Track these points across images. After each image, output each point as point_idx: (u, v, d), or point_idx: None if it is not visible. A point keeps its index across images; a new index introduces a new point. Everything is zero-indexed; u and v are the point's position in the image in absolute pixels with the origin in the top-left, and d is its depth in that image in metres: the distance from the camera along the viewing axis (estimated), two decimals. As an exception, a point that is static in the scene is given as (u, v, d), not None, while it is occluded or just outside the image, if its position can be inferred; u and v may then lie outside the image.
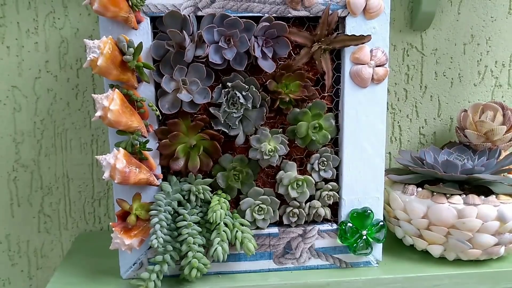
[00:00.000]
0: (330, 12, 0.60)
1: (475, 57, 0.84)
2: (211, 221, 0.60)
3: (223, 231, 0.60)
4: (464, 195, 0.66)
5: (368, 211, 0.65)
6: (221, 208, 0.61)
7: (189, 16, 0.58)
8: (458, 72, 0.85)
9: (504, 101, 0.86)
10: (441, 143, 0.86)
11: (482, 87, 0.86)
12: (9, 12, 0.74)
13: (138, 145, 0.59)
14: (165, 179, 0.63)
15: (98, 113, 0.56)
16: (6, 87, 0.76)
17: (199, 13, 0.59)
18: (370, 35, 0.61)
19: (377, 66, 0.62)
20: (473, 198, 0.65)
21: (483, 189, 0.68)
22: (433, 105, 0.85)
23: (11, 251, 0.80)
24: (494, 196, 0.66)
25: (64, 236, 0.81)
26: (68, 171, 0.79)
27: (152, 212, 0.59)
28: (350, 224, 0.65)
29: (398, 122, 0.85)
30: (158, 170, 0.62)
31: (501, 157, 0.73)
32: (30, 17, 0.75)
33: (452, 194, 0.66)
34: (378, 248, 0.68)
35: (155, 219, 0.58)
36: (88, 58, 0.55)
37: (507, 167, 0.70)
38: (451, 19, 0.82)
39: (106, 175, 0.57)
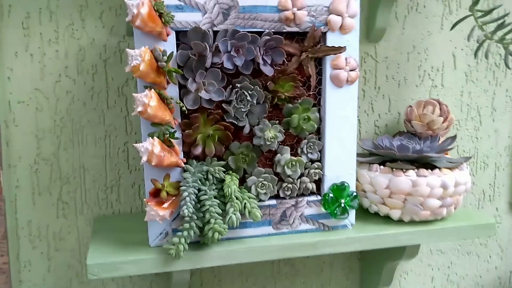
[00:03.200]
0: (316, 28, 0.77)
1: (416, 63, 1.05)
2: (226, 195, 0.75)
3: (236, 202, 0.75)
4: (416, 170, 0.85)
5: (345, 184, 0.83)
6: (233, 185, 0.76)
7: (208, 31, 0.73)
8: (404, 76, 1.05)
9: (439, 98, 1.07)
10: (392, 132, 1.05)
11: (422, 87, 1.07)
12: (33, 24, 0.85)
13: (168, 135, 0.72)
14: (185, 162, 0.77)
15: (139, 109, 0.69)
16: (30, 89, 0.86)
17: (215, 28, 0.74)
18: (345, 46, 0.79)
19: (350, 70, 0.80)
20: (423, 171, 0.84)
21: (429, 166, 0.88)
22: (385, 103, 1.05)
23: (32, 236, 0.90)
24: (438, 169, 0.86)
25: (80, 220, 0.92)
26: (84, 163, 0.90)
27: (183, 187, 0.72)
28: (331, 195, 0.82)
29: (358, 116, 1.04)
30: (181, 155, 0.76)
31: (440, 141, 0.93)
32: (51, 29, 0.86)
33: (407, 169, 0.85)
34: (352, 214, 0.85)
35: (186, 193, 0.72)
36: (131, 64, 0.68)
37: (446, 149, 0.90)
38: (398, 33, 1.03)
39: (144, 159, 0.70)
